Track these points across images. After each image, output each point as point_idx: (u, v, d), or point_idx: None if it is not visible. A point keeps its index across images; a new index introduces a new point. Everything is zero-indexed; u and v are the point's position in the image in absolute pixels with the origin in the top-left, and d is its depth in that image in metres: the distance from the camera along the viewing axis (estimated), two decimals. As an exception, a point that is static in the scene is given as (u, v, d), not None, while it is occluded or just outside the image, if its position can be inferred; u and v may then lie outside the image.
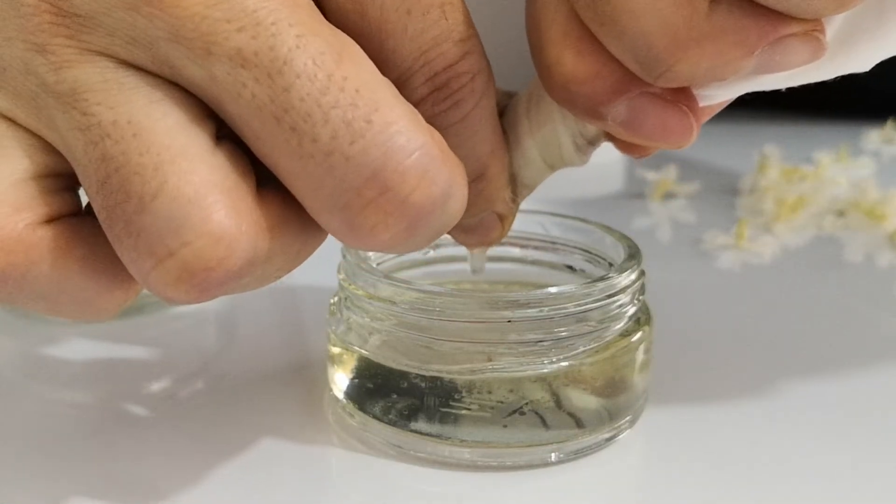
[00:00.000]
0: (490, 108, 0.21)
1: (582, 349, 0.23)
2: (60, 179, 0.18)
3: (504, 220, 0.23)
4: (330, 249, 0.29)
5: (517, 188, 0.23)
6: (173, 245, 0.16)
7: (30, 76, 0.17)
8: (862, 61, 0.19)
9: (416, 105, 0.19)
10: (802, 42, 0.17)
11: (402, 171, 0.17)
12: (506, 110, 0.23)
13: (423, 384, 0.22)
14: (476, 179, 0.21)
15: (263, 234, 0.17)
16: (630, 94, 0.19)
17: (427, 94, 0.19)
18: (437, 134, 0.18)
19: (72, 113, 0.17)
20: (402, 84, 0.19)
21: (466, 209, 0.20)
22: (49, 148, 0.18)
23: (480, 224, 0.23)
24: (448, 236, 0.28)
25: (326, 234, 0.19)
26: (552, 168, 0.23)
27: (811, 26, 0.17)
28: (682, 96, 0.19)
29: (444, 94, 0.19)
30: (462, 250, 0.28)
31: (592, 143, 0.22)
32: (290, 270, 0.20)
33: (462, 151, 0.20)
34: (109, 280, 0.19)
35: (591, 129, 0.22)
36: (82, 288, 0.18)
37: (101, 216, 0.17)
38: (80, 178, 0.17)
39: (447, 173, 0.17)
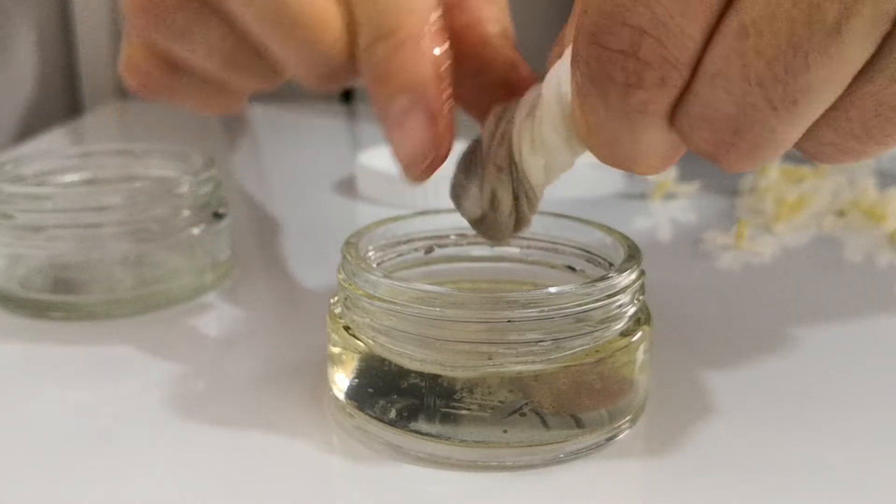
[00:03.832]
0: None
1: (582, 349, 0.23)
2: None
3: (435, 118, 0.23)
4: (330, 249, 0.29)
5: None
6: None
7: None
8: None
9: None
10: None
11: None
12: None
13: (423, 384, 0.22)
14: (386, 36, 0.22)
15: None
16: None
17: None
18: None
19: None
20: None
21: (387, 77, 0.23)
22: None
23: (409, 115, 0.23)
24: (451, 235, 0.28)
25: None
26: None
27: None
28: None
29: None
30: (462, 250, 0.28)
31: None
32: (226, 59, 0.25)
33: None
34: None
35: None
36: None
37: None
38: None
39: None
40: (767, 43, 0.17)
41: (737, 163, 0.19)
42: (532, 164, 0.22)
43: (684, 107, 0.18)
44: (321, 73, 0.24)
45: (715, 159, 0.19)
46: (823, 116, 0.18)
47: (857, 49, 0.17)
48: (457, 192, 0.24)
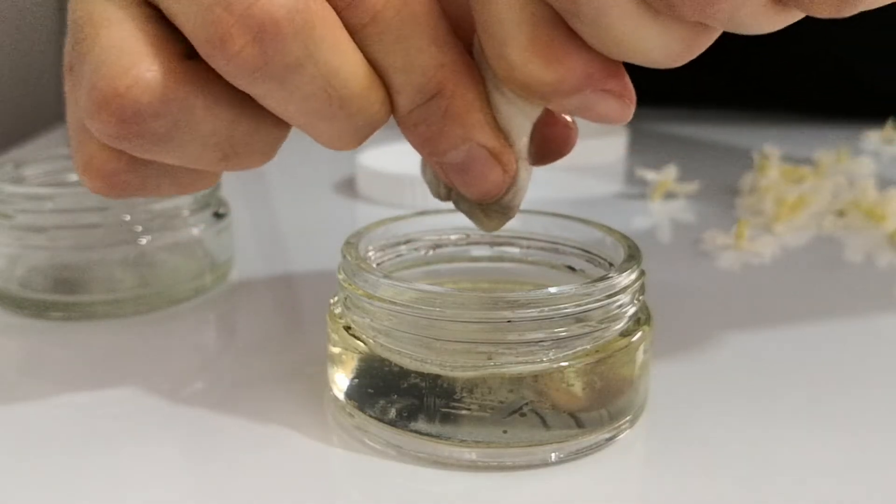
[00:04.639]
0: (415, 13, 0.21)
1: (582, 349, 0.23)
2: None
3: (500, 157, 0.22)
4: (330, 250, 0.29)
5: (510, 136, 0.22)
6: (94, 79, 0.20)
7: None
8: None
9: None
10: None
11: None
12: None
13: (423, 384, 0.22)
14: (433, 97, 0.21)
15: (174, 78, 0.20)
16: (584, 92, 0.20)
17: None
18: None
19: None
20: None
21: (440, 135, 0.22)
22: None
23: (470, 160, 0.22)
24: (451, 235, 0.28)
25: (251, 115, 0.22)
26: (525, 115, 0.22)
27: (627, 90, 0.20)
28: (626, 90, 0.21)
29: None
30: (462, 250, 0.28)
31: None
32: (237, 146, 0.22)
33: (397, 65, 0.21)
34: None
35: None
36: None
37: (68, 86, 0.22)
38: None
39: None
40: None
41: None
42: None
43: None
44: (358, 141, 0.23)
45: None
46: None
47: None
48: (423, 169, 0.24)
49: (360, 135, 0.22)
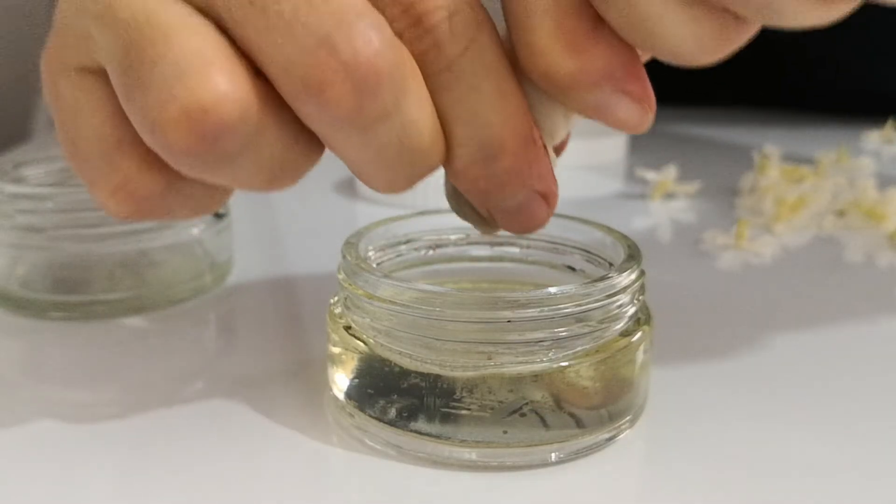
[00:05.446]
0: (490, 64, 0.20)
1: (582, 349, 0.23)
2: None
3: (549, 199, 0.22)
4: (330, 249, 0.29)
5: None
6: (176, 89, 0.18)
7: None
8: None
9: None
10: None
11: (350, 33, 0.18)
12: None
13: (423, 384, 0.23)
14: (496, 156, 0.21)
15: (254, 96, 0.19)
16: (602, 88, 0.20)
17: (404, 27, 0.20)
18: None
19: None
20: (381, 12, 0.19)
21: (499, 190, 0.21)
22: None
23: (525, 206, 0.22)
24: (450, 235, 0.28)
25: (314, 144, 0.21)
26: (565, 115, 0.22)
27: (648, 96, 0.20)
28: (646, 96, 0.20)
29: (419, 30, 0.20)
30: (462, 250, 0.28)
31: None
32: (284, 169, 0.21)
33: (464, 116, 0.20)
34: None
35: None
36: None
37: (120, 92, 0.19)
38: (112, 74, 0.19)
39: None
40: None
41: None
42: None
43: None
44: (411, 186, 0.22)
45: None
46: None
47: None
48: (446, 187, 0.24)
49: (414, 181, 0.22)
